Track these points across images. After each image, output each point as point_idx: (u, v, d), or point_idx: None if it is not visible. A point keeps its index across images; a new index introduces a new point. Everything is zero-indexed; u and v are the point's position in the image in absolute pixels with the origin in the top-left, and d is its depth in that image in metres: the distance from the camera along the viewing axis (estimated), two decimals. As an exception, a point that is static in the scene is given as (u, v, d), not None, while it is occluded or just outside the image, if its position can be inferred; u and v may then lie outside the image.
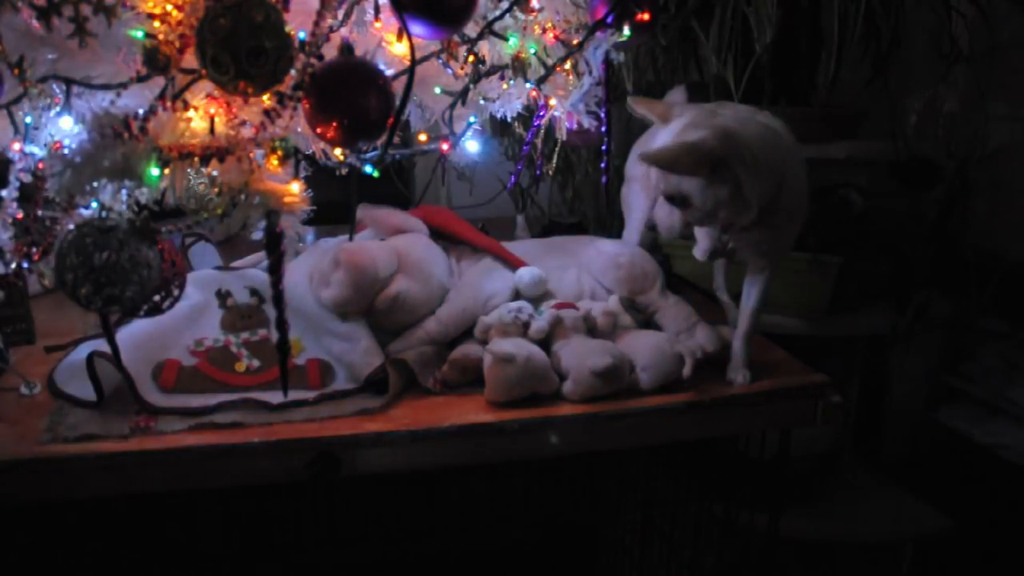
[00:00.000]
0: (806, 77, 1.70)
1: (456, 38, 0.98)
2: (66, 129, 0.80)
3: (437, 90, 1.06)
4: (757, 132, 0.99)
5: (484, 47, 1.02)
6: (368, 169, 0.97)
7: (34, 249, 0.83)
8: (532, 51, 1.04)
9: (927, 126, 1.91)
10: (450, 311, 1.13)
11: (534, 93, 1.09)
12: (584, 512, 1.72)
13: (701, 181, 0.96)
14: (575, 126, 1.12)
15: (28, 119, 0.83)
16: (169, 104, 0.77)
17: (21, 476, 0.89)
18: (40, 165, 0.81)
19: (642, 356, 1.07)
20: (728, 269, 1.31)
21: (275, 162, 0.79)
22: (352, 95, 0.81)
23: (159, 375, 1.03)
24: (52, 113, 0.82)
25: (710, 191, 0.97)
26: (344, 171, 0.99)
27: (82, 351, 1.05)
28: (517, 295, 1.18)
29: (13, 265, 0.84)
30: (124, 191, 0.75)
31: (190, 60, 0.76)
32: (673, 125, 1.00)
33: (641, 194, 1.25)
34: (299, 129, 0.87)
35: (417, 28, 0.85)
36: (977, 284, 1.85)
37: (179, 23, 0.75)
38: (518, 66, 1.03)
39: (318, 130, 0.82)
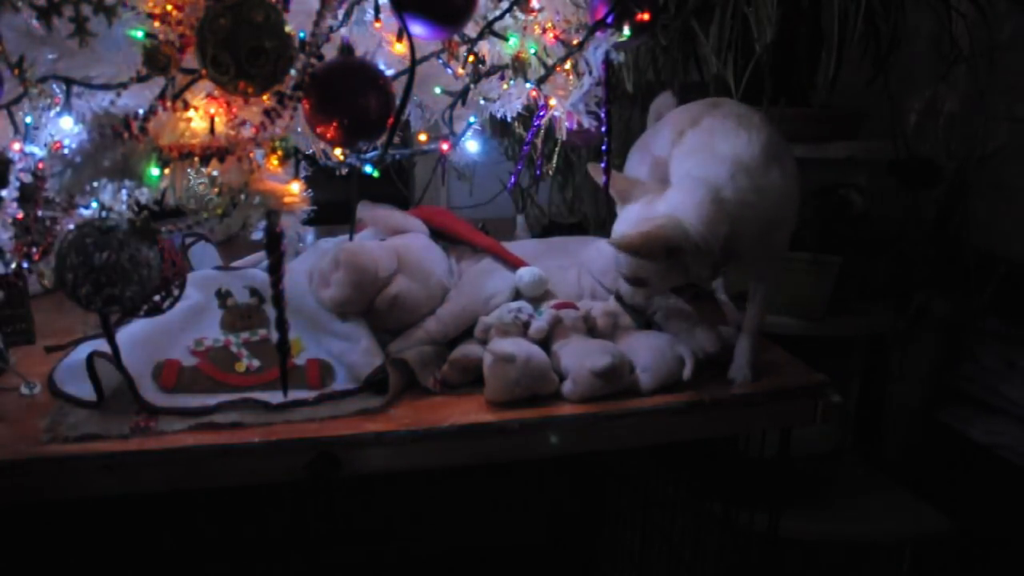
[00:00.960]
0: (806, 77, 1.70)
1: (456, 38, 0.98)
2: (66, 129, 0.80)
3: (437, 90, 1.05)
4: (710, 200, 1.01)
5: (484, 47, 1.02)
6: (368, 169, 0.96)
7: (34, 249, 0.83)
8: (532, 51, 1.03)
9: (927, 126, 1.91)
10: (450, 310, 1.13)
11: (534, 93, 1.08)
12: (584, 512, 1.72)
13: (657, 266, 1.02)
14: (575, 126, 1.11)
15: (28, 119, 0.83)
16: (169, 104, 0.77)
17: (21, 476, 0.89)
18: (40, 165, 0.81)
19: (643, 357, 1.07)
20: (728, 271, 1.31)
21: (275, 162, 0.78)
22: (352, 95, 0.81)
23: (159, 375, 1.03)
24: (52, 113, 0.81)
25: (665, 275, 1.04)
26: (344, 171, 0.99)
27: (82, 351, 1.06)
28: (517, 295, 1.18)
29: (13, 265, 0.83)
30: (124, 191, 0.75)
31: (190, 60, 0.76)
32: (632, 209, 1.06)
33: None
34: (299, 129, 0.87)
35: (417, 28, 0.85)
36: (977, 284, 1.85)
37: (179, 23, 0.75)
38: (518, 66, 1.03)
39: (318, 130, 0.82)
